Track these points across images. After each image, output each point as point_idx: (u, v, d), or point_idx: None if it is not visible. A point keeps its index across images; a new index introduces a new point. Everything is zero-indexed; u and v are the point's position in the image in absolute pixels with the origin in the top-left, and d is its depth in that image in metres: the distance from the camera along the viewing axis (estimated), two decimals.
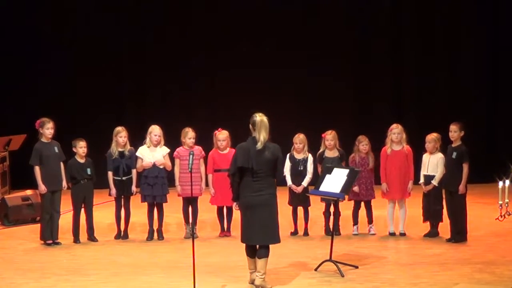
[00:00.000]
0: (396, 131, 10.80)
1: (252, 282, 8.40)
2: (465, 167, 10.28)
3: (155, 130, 10.84)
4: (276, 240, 8.31)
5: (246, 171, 8.20)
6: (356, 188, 10.72)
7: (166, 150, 10.89)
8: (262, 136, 8.17)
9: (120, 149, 10.80)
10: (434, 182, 10.59)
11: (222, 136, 10.84)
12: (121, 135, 10.80)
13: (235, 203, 8.58)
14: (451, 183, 10.35)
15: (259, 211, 8.18)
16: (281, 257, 9.44)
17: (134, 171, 10.84)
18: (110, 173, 10.79)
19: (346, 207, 11.04)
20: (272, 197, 8.25)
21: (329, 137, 10.87)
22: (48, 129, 10.45)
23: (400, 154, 10.80)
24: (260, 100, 14.77)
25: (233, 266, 9.23)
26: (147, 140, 10.85)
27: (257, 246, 8.31)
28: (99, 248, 10.44)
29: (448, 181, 10.42)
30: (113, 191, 10.78)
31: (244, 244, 8.40)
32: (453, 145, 10.42)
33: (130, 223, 10.96)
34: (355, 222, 10.99)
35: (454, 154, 10.33)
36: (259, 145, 8.15)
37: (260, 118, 8.23)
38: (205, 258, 9.58)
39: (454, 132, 10.38)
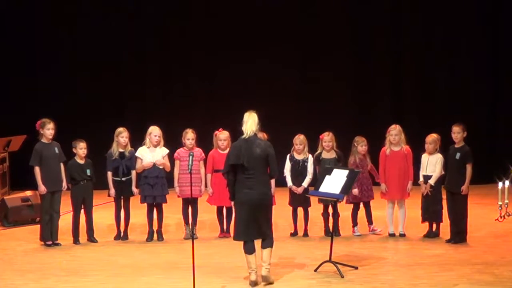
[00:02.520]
0: (393, 133, 10.79)
1: (252, 283, 8.42)
2: (469, 168, 10.27)
3: (154, 131, 10.85)
4: (267, 235, 8.42)
5: (239, 168, 8.32)
6: (355, 191, 10.74)
7: (165, 150, 10.89)
8: (249, 126, 8.38)
9: (121, 150, 10.80)
10: (431, 182, 10.58)
11: (223, 136, 10.85)
12: (122, 135, 10.80)
13: (233, 202, 8.70)
14: (453, 184, 10.33)
15: (254, 208, 8.28)
16: (281, 257, 9.45)
17: (133, 172, 10.83)
18: (109, 174, 10.78)
19: (345, 208, 11.03)
20: (265, 196, 8.38)
21: (327, 138, 10.86)
22: (48, 130, 10.45)
23: (399, 155, 10.79)
24: (260, 100, 14.78)
25: (233, 266, 9.23)
26: (147, 140, 10.85)
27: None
28: (98, 249, 10.44)
29: (451, 182, 10.40)
30: (112, 191, 10.78)
31: (241, 243, 8.45)
32: (456, 146, 10.41)
33: (130, 224, 10.96)
34: (355, 223, 10.99)
35: (458, 155, 10.31)
36: (245, 135, 8.36)
37: (248, 112, 8.49)
38: (205, 258, 9.59)
39: (458, 133, 10.36)
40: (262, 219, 8.36)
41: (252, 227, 8.32)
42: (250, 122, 8.40)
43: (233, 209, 10.74)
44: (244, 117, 8.48)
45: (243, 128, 8.44)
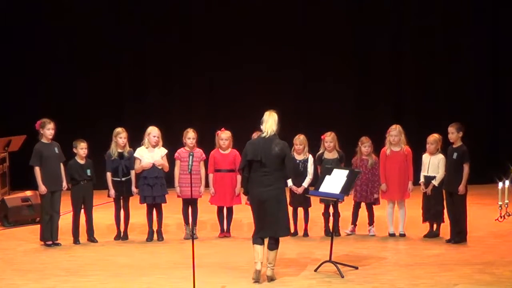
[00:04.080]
0: (393, 133, 10.78)
1: (255, 278, 8.53)
2: (466, 168, 10.27)
3: (153, 131, 10.84)
4: (286, 232, 8.60)
5: (255, 165, 8.43)
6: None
7: (164, 151, 10.88)
8: (269, 125, 8.49)
9: (119, 150, 10.80)
10: (435, 182, 10.58)
11: (225, 135, 10.84)
12: (121, 136, 10.79)
13: (246, 197, 8.91)
14: (451, 184, 10.34)
15: (269, 205, 8.41)
16: (281, 257, 9.43)
17: (133, 172, 10.83)
18: (109, 174, 10.78)
19: (345, 208, 11.04)
20: (281, 192, 8.52)
21: (328, 138, 10.86)
22: (49, 130, 10.45)
23: (399, 155, 10.79)
24: (260, 100, 14.75)
25: (233, 266, 9.24)
26: (145, 141, 10.84)
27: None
28: (98, 249, 10.44)
29: (449, 182, 10.42)
30: (112, 191, 10.78)
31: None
32: (453, 146, 10.42)
33: (130, 224, 10.96)
34: (353, 222, 10.99)
35: (455, 155, 10.33)
36: (265, 134, 8.48)
37: (269, 111, 8.59)
38: (205, 258, 9.59)
39: (452, 133, 10.38)
40: (278, 215, 8.47)
41: (268, 225, 8.43)
42: (271, 122, 8.51)
43: (233, 210, 10.92)
44: (264, 116, 8.57)
45: (263, 127, 8.53)
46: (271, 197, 8.40)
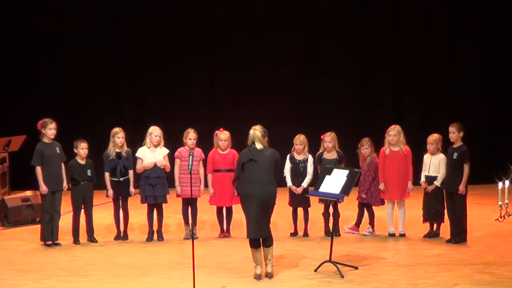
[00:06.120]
0: (392, 133, 10.78)
1: (257, 277, 8.63)
2: (466, 168, 10.27)
3: (155, 131, 10.85)
4: (266, 234, 8.67)
5: (248, 164, 8.64)
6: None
7: (166, 150, 10.89)
8: (257, 143, 8.79)
9: (117, 150, 10.79)
10: (437, 183, 10.58)
11: (224, 136, 10.84)
12: (118, 135, 10.79)
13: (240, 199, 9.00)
14: (451, 184, 10.35)
15: (256, 204, 8.51)
16: (281, 258, 9.46)
17: (131, 172, 10.83)
18: (107, 174, 10.78)
19: (345, 208, 11.04)
20: (271, 194, 8.63)
21: (328, 138, 10.85)
22: (50, 130, 10.46)
23: (398, 155, 10.78)
24: (260, 100, 14.80)
25: (233, 266, 9.24)
26: (147, 141, 10.84)
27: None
28: (98, 249, 10.44)
29: (449, 182, 10.42)
30: (110, 192, 10.78)
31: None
32: (454, 146, 10.42)
33: (129, 224, 10.97)
34: (358, 223, 10.99)
35: (455, 155, 10.33)
36: (257, 146, 8.76)
37: (252, 131, 8.85)
38: (205, 258, 9.59)
39: (453, 133, 10.38)
40: (261, 217, 8.56)
41: (262, 223, 8.56)
42: (257, 140, 8.78)
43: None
44: (249, 135, 8.83)
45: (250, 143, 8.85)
46: (260, 196, 8.51)
